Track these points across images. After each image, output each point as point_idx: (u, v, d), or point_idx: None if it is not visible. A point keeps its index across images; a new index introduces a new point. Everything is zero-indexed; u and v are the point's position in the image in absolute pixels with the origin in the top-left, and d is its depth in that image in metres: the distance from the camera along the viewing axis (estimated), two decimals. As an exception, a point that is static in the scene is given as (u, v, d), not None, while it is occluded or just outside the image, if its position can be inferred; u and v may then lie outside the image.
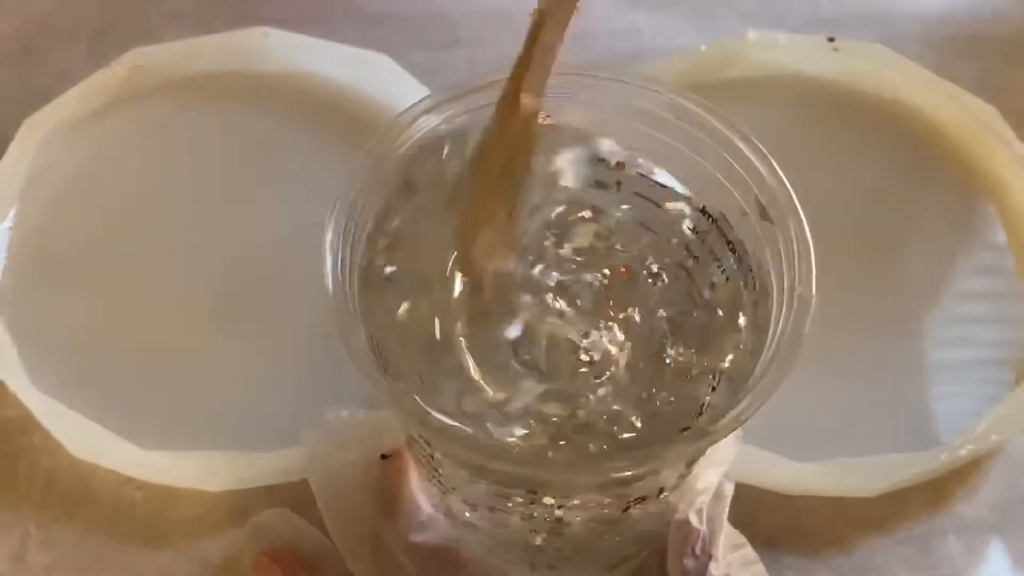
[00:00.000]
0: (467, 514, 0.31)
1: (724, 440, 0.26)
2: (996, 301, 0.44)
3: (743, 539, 0.34)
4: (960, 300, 0.44)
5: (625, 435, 0.27)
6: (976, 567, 0.38)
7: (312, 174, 0.45)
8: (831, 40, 0.48)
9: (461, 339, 0.28)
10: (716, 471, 0.34)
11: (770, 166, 0.28)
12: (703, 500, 0.33)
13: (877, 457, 0.38)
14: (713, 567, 0.32)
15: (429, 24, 0.51)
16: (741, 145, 0.28)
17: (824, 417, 0.40)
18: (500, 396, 0.28)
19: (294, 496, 0.38)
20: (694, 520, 0.33)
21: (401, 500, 0.33)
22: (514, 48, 0.51)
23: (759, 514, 0.38)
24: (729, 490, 0.34)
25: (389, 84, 0.47)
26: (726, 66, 0.48)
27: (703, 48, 0.48)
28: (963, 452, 0.38)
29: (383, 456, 0.34)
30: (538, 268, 0.29)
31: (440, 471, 0.29)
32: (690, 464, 0.30)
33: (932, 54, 0.49)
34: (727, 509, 0.34)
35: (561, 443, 0.27)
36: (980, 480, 0.40)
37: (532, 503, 0.28)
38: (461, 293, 0.29)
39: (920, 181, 0.47)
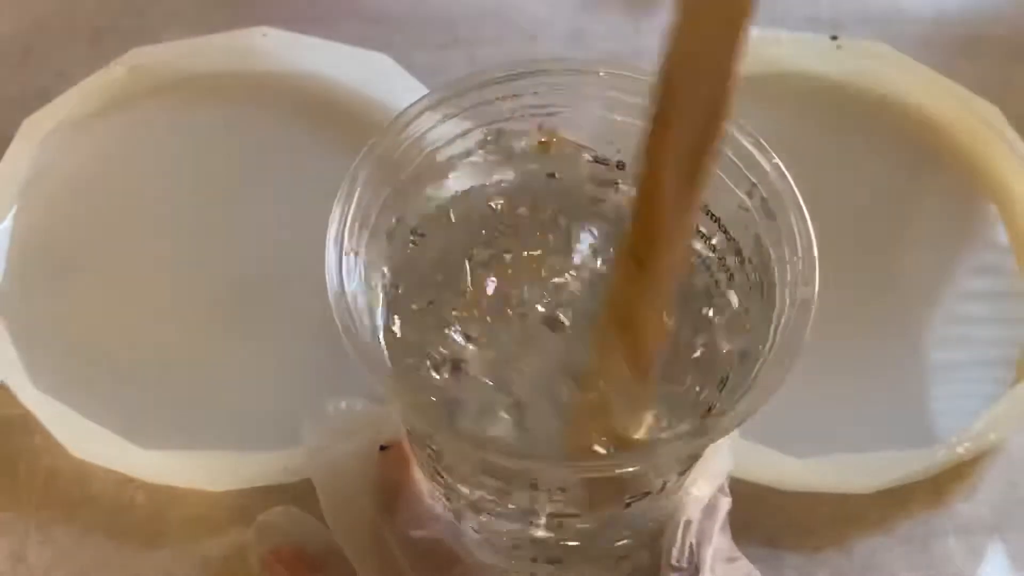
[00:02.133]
0: (467, 510, 0.31)
1: (719, 452, 0.26)
2: (996, 300, 0.44)
3: (738, 553, 0.34)
4: (960, 299, 0.44)
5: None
6: (976, 567, 0.38)
7: (312, 174, 0.45)
8: (834, 38, 0.48)
9: (468, 339, 0.28)
10: (710, 484, 0.33)
11: (772, 161, 0.28)
12: (694, 511, 0.33)
13: (875, 454, 0.38)
14: None
15: (429, 24, 0.51)
16: (742, 140, 0.28)
17: (823, 414, 0.40)
18: (503, 397, 0.28)
19: (294, 496, 0.38)
20: (681, 532, 0.32)
21: (400, 493, 0.33)
22: (514, 48, 0.51)
23: (759, 513, 0.38)
24: (724, 505, 0.34)
25: (389, 84, 0.47)
26: (727, 65, 0.47)
27: (703, 47, 0.48)
28: (960, 450, 0.38)
29: (382, 447, 0.34)
30: (543, 273, 0.29)
31: (440, 463, 0.29)
32: (691, 461, 0.30)
33: (934, 53, 0.49)
34: (719, 523, 0.33)
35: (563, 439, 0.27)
36: (980, 480, 0.40)
37: (534, 500, 0.28)
38: (471, 294, 0.29)
39: (921, 180, 0.47)
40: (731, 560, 0.34)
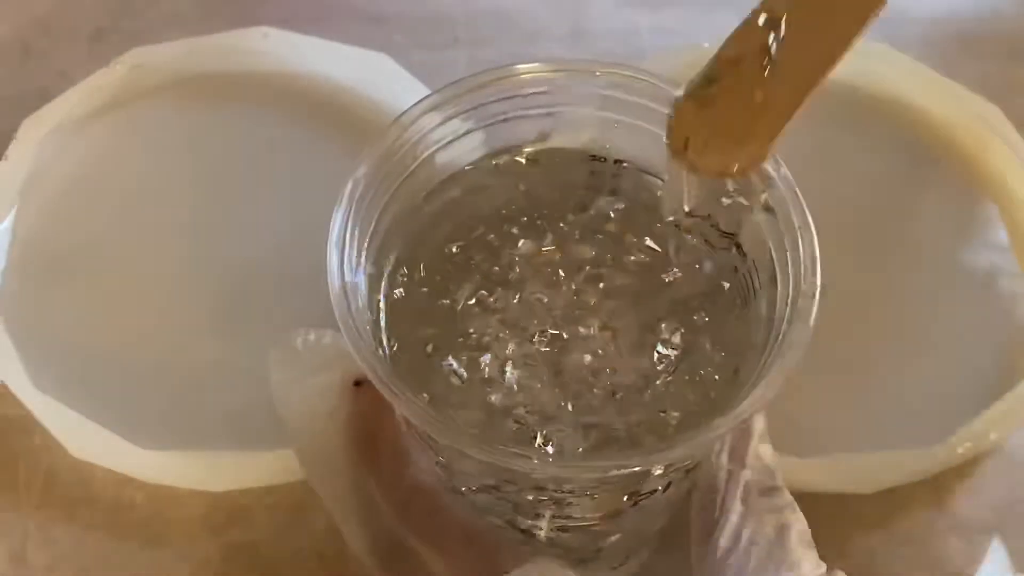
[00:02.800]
0: (470, 508, 0.31)
1: None
2: (996, 300, 0.43)
3: (777, 482, 0.31)
4: (960, 299, 0.43)
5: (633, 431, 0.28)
6: (976, 567, 0.38)
7: (312, 174, 0.45)
8: (834, 39, 0.48)
9: (471, 340, 0.29)
10: None
11: (773, 158, 0.28)
12: (726, 437, 0.30)
13: (875, 454, 0.38)
14: (731, 509, 0.29)
15: (429, 24, 0.51)
16: None
17: (823, 414, 0.40)
18: (511, 396, 0.28)
19: (295, 496, 0.38)
20: (714, 455, 0.30)
21: (381, 436, 0.31)
22: (514, 48, 0.51)
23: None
24: (759, 424, 0.31)
25: (389, 84, 0.47)
26: (728, 64, 0.47)
27: (706, 45, 0.48)
28: (960, 450, 0.38)
29: (356, 383, 0.32)
30: (541, 269, 0.30)
31: (444, 461, 0.29)
32: (697, 459, 0.30)
33: (934, 53, 0.49)
34: (752, 444, 0.30)
35: (569, 441, 0.27)
36: (980, 480, 0.40)
37: (540, 502, 0.28)
38: (473, 294, 0.29)
39: (922, 180, 0.47)
40: (767, 491, 0.30)
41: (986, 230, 0.45)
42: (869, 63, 0.48)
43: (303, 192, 0.44)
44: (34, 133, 0.44)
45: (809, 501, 0.38)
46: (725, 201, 0.29)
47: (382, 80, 0.47)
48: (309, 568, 0.38)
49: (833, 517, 0.39)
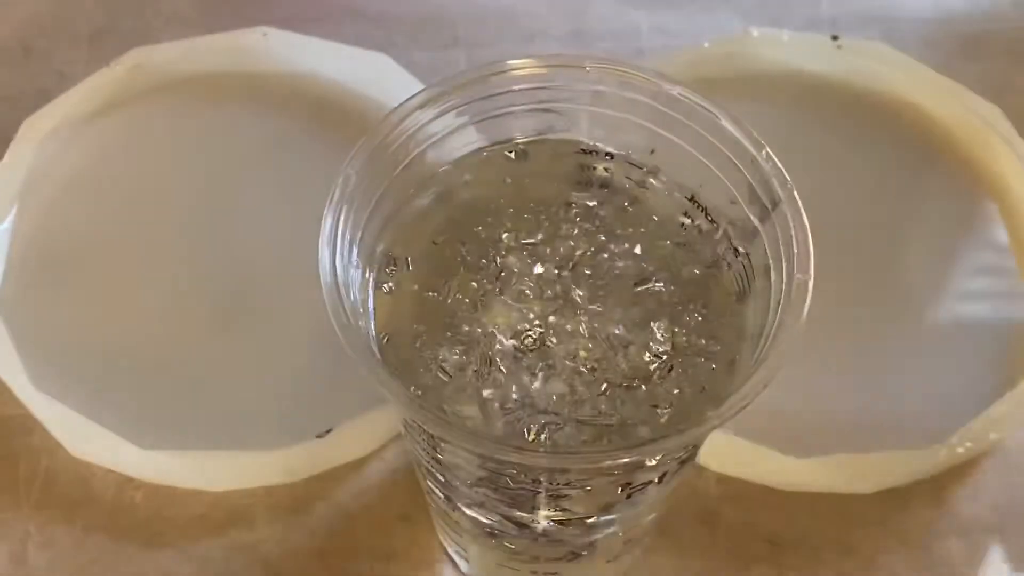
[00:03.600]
0: (464, 507, 0.31)
1: None
2: (996, 300, 0.44)
3: None
4: (960, 299, 0.44)
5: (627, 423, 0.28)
6: (976, 567, 0.38)
7: (312, 174, 0.45)
8: (835, 38, 0.48)
9: (464, 333, 0.29)
10: None
11: (764, 152, 0.28)
12: None
13: (875, 454, 0.38)
14: None
15: (429, 24, 0.51)
16: (733, 131, 0.28)
17: (823, 414, 0.40)
18: (502, 390, 0.28)
19: (295, 496, 0.38)
20: None
21: None
22: (513, 48, 0.51)
23: (759, 513, 0.38)
24: None
25: (389, 84, 0.47)
26: (728, 63, 0.47)
27: (706, 45, 0.48)
28: (961, 450, 0.38)
29: None
30: (530, 262, 0.30)
31: (438, 458, 0.29)
32: (692, 451, 0.30)
33: (935, 53, 0.49)
34: None
35: (562, 433, 0.27)
36: (980, 480, 0.40)
37: (534, 495, 0.28)
38: (464, 287, 0.29)
39: (922, 180, 0.47)
40: None
41: (985, 230, 0.45)
42: (869, 63, 0.48)
43: (303, 192, 0.44)
44: (34, 133, 0.44)
45: (809, 501, 0.38)
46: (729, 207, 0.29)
47: (382, 80, 0.47)
48: (309, 568, 0.38)
49: (833, 517, 0.39)
